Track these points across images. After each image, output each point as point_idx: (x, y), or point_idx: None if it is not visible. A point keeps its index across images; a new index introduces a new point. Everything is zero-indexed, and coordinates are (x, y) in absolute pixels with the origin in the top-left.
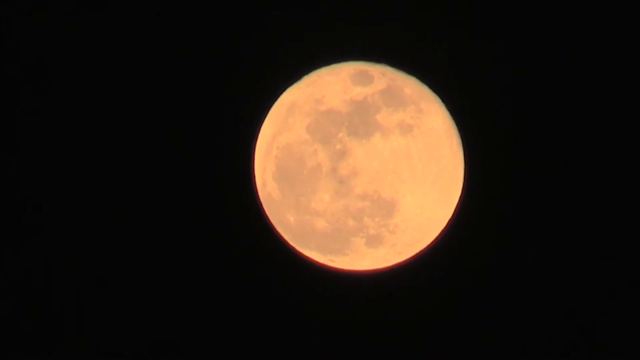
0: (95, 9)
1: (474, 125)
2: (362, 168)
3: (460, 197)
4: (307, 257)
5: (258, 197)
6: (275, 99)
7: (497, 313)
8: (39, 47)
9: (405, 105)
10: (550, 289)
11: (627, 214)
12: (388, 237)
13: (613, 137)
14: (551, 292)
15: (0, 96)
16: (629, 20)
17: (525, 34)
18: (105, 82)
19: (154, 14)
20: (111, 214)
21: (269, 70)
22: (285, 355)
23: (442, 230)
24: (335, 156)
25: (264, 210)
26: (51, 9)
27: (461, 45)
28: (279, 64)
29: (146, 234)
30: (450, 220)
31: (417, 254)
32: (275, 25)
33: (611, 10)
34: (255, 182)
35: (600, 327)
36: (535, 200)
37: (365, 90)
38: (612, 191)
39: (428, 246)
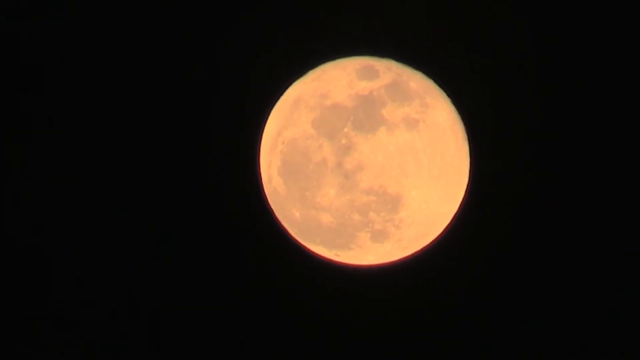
0: (101, 9)
1: (479, 120)
2: (368, 163)
3: (465, 192)
4: (313, 252)
5: (264, 192)
6: (281, 94)
7: (502, 308)
8: (35, 47)
9: (410, 100)
10: (555, 284)
11: (631, 212)
12: (393, 232)
13: (619, 133)
14: (555, 287)
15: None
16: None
17: (531, 29)
18: (109, 75)
19: (160, 9)
20: (116, 209)
21: (275, 65)
22: (290, 350)
23: (448, 225)
24: (340, 151)
25: (269, 205)
26: (48, 8)
27: (466, 40)
28: (284, 58)
29: (149, 231)
30: (455, 214)
31: (422, 249)
32: (281, 20)
33: (618, 10)
34: (260, 177)
35: (601, 325)
36: (540, 194)
37: (370, 85)
38: (617, 185)
39: (433, 241)
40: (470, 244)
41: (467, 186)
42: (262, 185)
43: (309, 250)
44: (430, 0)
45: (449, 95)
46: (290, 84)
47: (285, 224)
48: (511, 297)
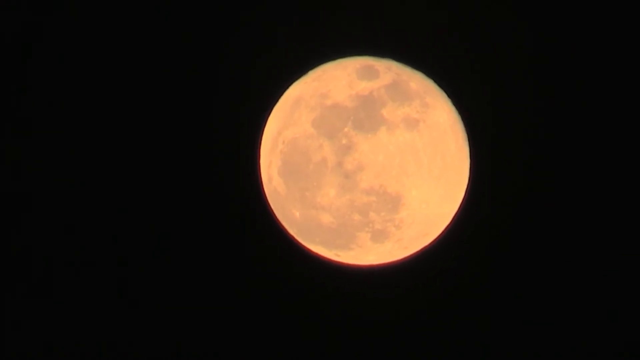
0: (106, 9)
1: (479, 120)
2: (368, 163)
3: (465, 192)
4: (313, 252)
5: (264, 192)
6: (281, 94)
7: (502, 308)
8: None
9: (410, 100)
10: (554, 284)
11: (631, 212)
12: (394, 232)
13: (619, 133)
14: (555, 287)
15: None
16: (635, 20)
17: (531, 29)
18: (110, 74)
19: (160, 9)
20: (116, 209)
21: (275, 65)
22: (290, 350)
23: (448, 225)
24: (340, 151)
25: (269, 205)
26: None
27: (466, 40)
28: (284, 58)
29: (149, 230)
30: (455, 214)
31: (422, 249)
32: (281, 20)
33: (618, 10)
34: (260, 177)
35: (601, 325)
36: (540, 194)
37: (370, 85)
38: (616, 185)
39: (434, 241)
40: (470, 244)
41: (467, 186)
42: (262, 185)
43: (309, 250)
44: (430, 0)
45: (449, 95)
46: (291, 84)
47: (285, 224)
48: (511, 297)
